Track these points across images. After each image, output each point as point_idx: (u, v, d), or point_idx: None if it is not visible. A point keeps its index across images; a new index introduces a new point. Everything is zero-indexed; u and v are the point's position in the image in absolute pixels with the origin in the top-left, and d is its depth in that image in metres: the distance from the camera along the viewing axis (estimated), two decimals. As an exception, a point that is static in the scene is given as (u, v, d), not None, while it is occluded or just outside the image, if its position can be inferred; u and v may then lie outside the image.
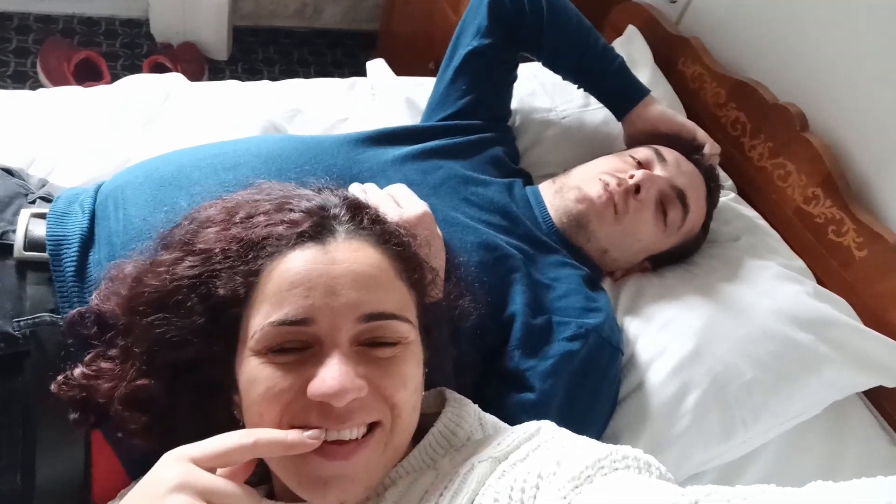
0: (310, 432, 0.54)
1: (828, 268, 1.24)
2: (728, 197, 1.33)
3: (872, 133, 1.22)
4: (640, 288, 1.13)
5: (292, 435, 0.53)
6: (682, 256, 1.19)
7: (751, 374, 1.01)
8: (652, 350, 1.03)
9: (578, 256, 1.09)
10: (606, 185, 1.06)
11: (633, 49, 1.51)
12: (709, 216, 1.19)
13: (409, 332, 0.61)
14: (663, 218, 1.09)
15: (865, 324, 1.14)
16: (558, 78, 1.38)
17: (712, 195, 1.18)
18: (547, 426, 0.64)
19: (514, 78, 1.27)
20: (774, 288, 1.11)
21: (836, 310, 1.12)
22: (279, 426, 0.56)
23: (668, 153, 1.13)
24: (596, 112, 1.37)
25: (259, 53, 2.55)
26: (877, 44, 1.20)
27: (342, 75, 1.50)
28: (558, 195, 1.11)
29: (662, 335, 1.04)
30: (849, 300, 1.17)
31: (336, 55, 2.65)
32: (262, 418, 0.57)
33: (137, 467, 0.73)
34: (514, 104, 1.29)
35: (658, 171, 1.10)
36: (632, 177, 1.07)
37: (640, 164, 1.11)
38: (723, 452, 1.03)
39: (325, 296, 0.57)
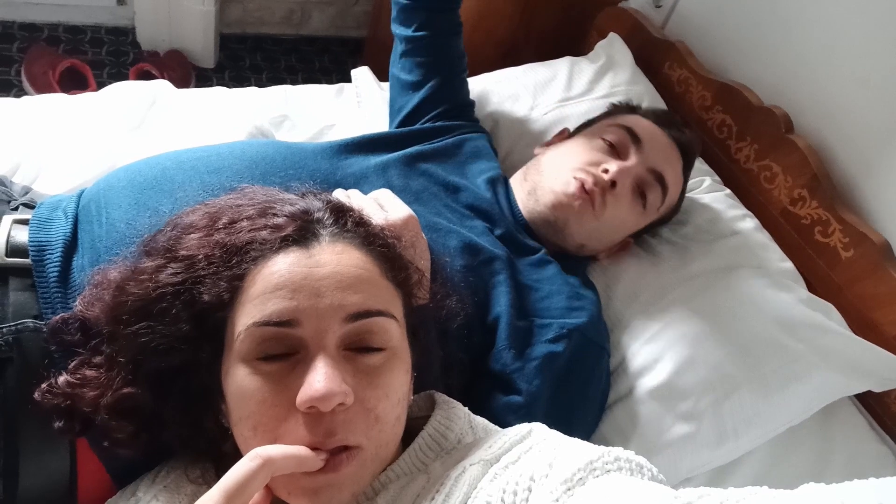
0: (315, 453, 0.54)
1: (815, 268, 1.25)
2: (724, 192, 1.33)
3: (857, 134, 1.23)
4: (631, 295, 1.13)
5: (303, 451, 0.53)
6: (661, 226, 1.21)
7: (742, 381, 1.01)
8: (643, 358, 1.03)
9: (556, 254, 1.08)
10: (582, 184, 1.04)
11: (613, 51, 1.53)
12: (685, 183, 1.19)
13: (395, 329, 0.61)
14: (642, 202, 1.09)
15: (852, 323, 1.15)
16: (541, 78, 1.39)
17: (690, 163, 1.19)
18: (538, 428, 0.63)
19: (462, 69, 1.24)
20: (768, 296, 1.11)
21: (826, 317, 1.12)
22: (274, 442, 0.55)
23: (643, 131, 1.11)
24: (577, 105, 1.38)
25: (246, 61, 2.54)
26: (860, 45, 1.21)
27: (330, 82, 1.50)
28: (531, 197, 1.09)
29: (654, 344, 1.04)
30: (836, 300, 1.18)
31: (324, 62, 2.65)
32: (255, 433, 0.56)
33: (124, 475, 0.72)
34: (494, 107, 1.29)
35: (633, 156, 1.08)
36: (606, 171, 1.05)
37: (613, 147, 1.09)
38: (712, 460, 1.03)
39: (309, 298, 0.57)
